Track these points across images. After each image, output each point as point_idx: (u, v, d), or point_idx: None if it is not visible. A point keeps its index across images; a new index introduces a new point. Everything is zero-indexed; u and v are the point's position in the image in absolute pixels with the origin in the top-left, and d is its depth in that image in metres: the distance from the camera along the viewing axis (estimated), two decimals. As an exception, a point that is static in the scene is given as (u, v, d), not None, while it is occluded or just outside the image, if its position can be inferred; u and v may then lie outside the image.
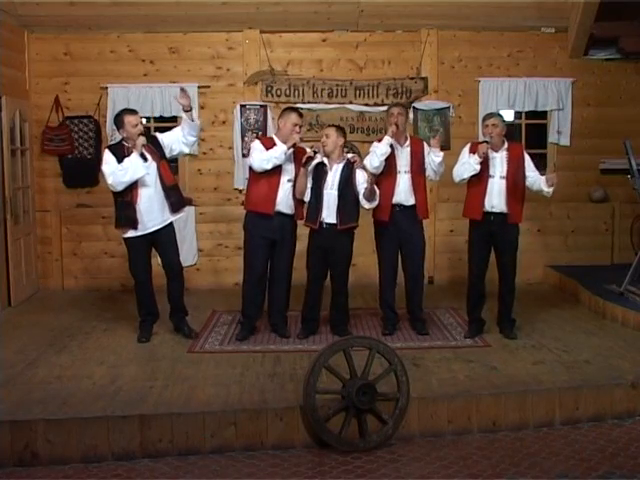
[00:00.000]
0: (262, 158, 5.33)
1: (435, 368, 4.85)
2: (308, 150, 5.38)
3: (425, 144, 5.67)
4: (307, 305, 5.60)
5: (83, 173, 7.46)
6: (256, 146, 5.45)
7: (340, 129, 5.52)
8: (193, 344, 5.43)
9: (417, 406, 4.28)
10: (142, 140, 5.24)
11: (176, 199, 5.44)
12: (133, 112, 5.41)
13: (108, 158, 5.25)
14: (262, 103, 7.39)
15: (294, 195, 5.46)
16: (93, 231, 7.50)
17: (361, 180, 5.37)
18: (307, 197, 5.45)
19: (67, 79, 7.42)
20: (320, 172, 5.40)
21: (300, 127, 5.48)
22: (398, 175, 5.51)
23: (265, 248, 5.47)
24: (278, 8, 6.94)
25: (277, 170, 5.38)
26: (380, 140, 5.52)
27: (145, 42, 7.43)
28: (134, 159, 5.19)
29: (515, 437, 4.28)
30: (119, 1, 6.75)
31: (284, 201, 5.43)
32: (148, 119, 7.65)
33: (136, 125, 5.27)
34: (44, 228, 7.50)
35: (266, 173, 5.36)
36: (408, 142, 5.59)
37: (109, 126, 7.36)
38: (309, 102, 7.50)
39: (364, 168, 5.44)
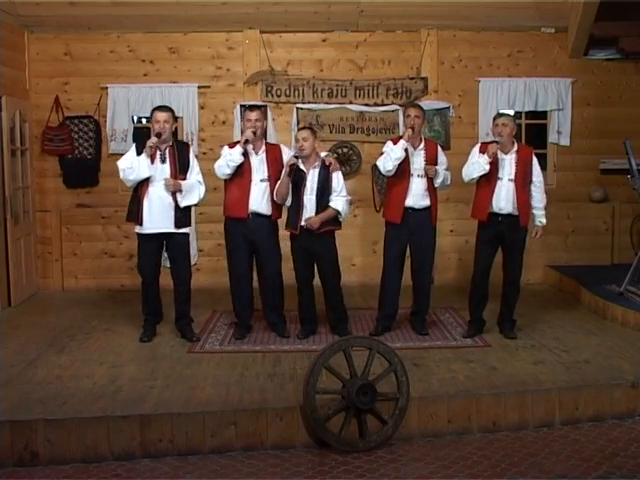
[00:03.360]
0: (219, 164, 5.35)
1: (435, 368, 4.85)
2: (288, 156, 5.34)
3: (439, 147, 5.64)
4: (302, 306, 5.61)
5: (83, 173, 7.46)
6: (222, 152, 5.44)
7: (314, 130, 5.50)
8: (193, 344, 5.43)
9: (417, 406, 4.28)
10: (151, 141, 5.17)
11: (182, 215, 5.34)
12: (161, 109, 5.35)
13: (128, 154, 5.29)
14: (262, 103, 7.38)
15: (271, 196, 5.40)
16: (93, 231, 7.51)
17: (337, 188, 5.31)
18: (288, 202, 5.40)
19: (67, 79, 7.42)
20: (298, 177, 5.31)
21: (256, 121, 5.33)
22: (411, 178, 5.45)
23: (244, 247, 5.44)
24: (278, 8, 6.93)
25: (246, 172, 5.33)
26: (394, 140, 5.48)
27: (145, 42, 7.43)
28: (142, 159, 5.19)
29: (515, 437, 4.28)
30: (119, 1, 6.75)
31: (258, 202, 5.36)
32: (148, 119, 7.65)
33: (157, 122, 5.22)
34: (44, 228, 7.50)
35: (236, 176, 5.32)
36: (422, 145, 5.51)
37: (109, 126, 7.39)
38: (309, 102, 7.49)
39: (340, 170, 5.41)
